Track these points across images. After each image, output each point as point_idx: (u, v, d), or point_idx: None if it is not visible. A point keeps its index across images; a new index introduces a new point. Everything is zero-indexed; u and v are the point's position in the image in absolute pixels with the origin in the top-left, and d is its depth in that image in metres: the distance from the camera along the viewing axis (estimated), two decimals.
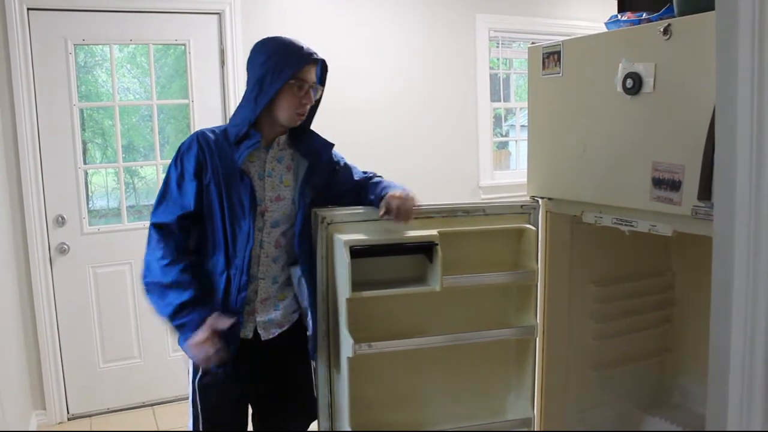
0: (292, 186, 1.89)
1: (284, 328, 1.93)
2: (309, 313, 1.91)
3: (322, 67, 1.89)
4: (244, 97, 1.84)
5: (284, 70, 1.75)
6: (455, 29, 4.02)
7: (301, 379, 2.02)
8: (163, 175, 2.13)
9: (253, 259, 1.83)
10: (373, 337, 1.94)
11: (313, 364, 2.02)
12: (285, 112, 1.81)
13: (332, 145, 1.95)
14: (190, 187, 1.79)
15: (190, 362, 1.86)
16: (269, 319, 1.89)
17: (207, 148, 1.80)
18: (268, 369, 1.94)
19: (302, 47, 1.80)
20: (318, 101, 1.90)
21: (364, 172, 2.06)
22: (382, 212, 1.85)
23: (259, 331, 1.87)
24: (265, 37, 1.85)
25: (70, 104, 3.23)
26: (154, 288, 1.76)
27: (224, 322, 1.74)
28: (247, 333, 1.86)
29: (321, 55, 1.84)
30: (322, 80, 1.90)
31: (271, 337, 1.89)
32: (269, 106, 1.78)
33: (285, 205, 1.88)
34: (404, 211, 1.85)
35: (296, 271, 1.91)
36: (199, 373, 1.84)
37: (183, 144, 1.85)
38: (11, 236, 3.11)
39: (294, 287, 1.93)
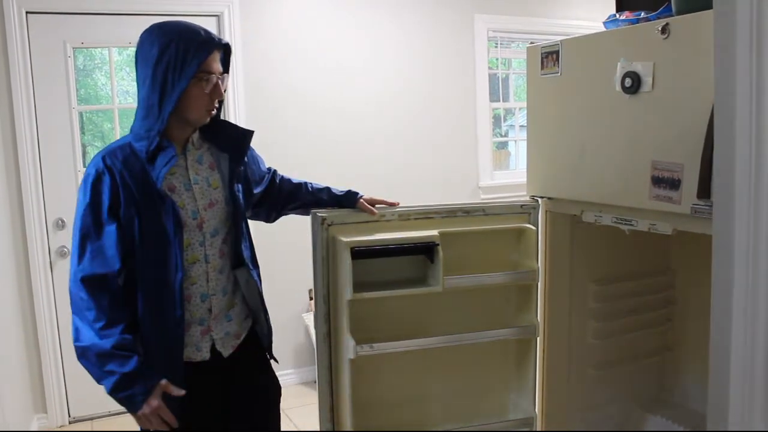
0: (221, 186, 1.70)
1: (241, 339, 1.78)
2: (262, 312, 1.81)
3: (225, 51, 1.65)
4: (143, 101, 1.57)
5: (187, 65, 1.51)
6: (454, 29, 4.02)
7: (269, 392, 1.86)
8: None
9: (201, 277, 1.65)
10: (374, 339, 1.94)
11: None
12: (195, 112, 1.59)
13: (252, 132, 1.76)
14: (112, 230, 1.52)
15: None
16: (226, 333, 1.72)
17: (119, 175, 1.53)
18: (231, 387, 1.76)
19: (200, 32, 1.55)
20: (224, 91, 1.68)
21: (268, 168, 1.95)
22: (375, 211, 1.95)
23: (219, 349, 1.70)
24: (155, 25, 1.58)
25: (70, 107, 3.23)
26: (89, 354, 1.48)
27: (177, 390, 1.54)
28: (204, 355, 1.68)
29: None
30: (225, 67, 1.65)
31: (231, 352, 1.73)
32: (175, 108, 1.54)
33: (219, 209, 1.69)
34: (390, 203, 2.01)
35: (242, 273, 1.76)
36: None
37: (89, 176, 1.55)
38: (11, 240, 3.11)
39: (240, 291, 1.77)
